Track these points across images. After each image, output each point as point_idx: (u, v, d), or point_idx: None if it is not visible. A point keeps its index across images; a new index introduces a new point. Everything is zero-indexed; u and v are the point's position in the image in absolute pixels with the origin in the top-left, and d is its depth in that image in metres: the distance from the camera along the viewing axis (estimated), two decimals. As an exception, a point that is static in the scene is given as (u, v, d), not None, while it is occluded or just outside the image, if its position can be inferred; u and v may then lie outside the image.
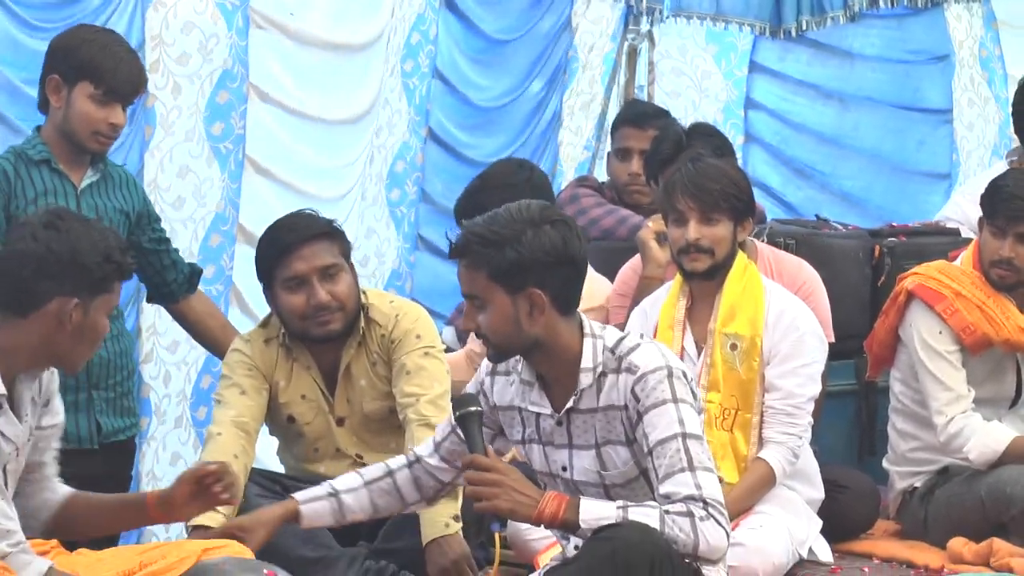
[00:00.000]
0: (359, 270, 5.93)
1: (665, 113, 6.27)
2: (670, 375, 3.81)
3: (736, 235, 4.79)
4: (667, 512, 3.69)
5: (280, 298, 4.75)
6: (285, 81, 6.23)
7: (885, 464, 5.28)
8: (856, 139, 8.29)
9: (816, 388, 4.76)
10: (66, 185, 4.70)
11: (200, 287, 5.26)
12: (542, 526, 3.85)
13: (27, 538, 3.72)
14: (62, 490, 4.06)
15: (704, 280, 4.78)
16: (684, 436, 3.76)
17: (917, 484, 5.15)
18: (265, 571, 3.49)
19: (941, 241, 5.98)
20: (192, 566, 3.79)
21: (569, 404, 3.89)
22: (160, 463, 5.86)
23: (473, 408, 3.86)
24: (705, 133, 5.42)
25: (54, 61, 4.73)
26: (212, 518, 4.37)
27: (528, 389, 3.96)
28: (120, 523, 4.34)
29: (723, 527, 3.71)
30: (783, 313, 4.75)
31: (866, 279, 5.91)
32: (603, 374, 3.86)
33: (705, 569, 3.79)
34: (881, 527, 5.23)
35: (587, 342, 3.88)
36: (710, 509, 3.71)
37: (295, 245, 4.72)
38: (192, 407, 5.99)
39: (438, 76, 7.00)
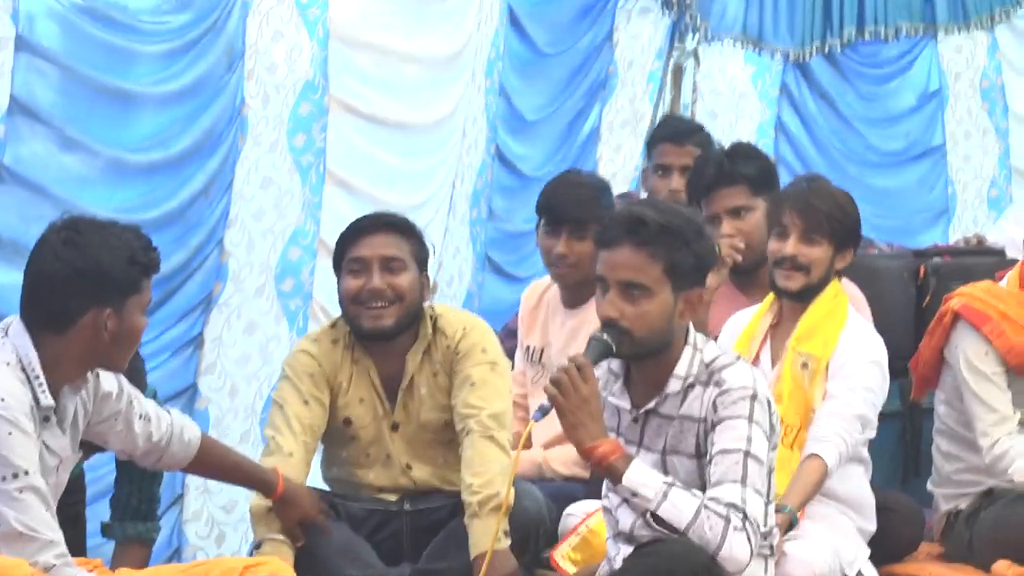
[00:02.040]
0: (444, 290, 5.96)
1: (700, 128, 6.29)
2: (754, 397, 3.82)
3: (835, 261, 4.81)
4: (706, 506, 3.69)
5: (341, 281, 4.78)
6: (365, 91, 6.24)
7: (929, 486, 5.25)
8: (863, 177, 8.30)
9: (871, 415, 4.73)
10: None
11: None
12: (589, 461, 3.86)
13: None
14: (193, 433, 4.22)
15: (794, 300, 4.79)
16: (747, 454, 3.77)
17: (962, 506, 5.11)
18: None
19: (986, 261, 5.95)
20: (234, 585, 3.81)
21: (650, 405, 3.89)
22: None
23: (610, 341, 3.83)
24: (746, 156, 5.40)
25: None
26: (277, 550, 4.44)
27: (613, 380, 3.97)
28: (243, 484, 4.56)
29: (751, 546, 3.71)
30: (857, 341, 4.75)
31: (911, 299, 5.88)
32: (691, 385, 3.86)
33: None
34: (925, 549, 5.19)
35: (687, 351, 3.89)
36: (747, 524, 3.71)
37: (365, 231, 4.77)
38: (263, 424, 5.97)
39: (502, 94, 7.06)
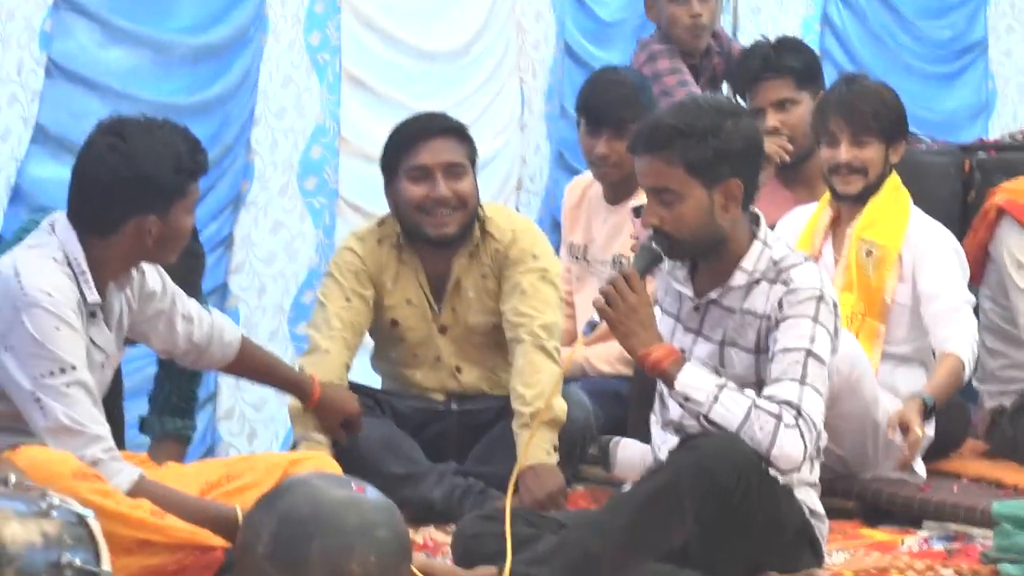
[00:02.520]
0: (528, 185, 5.94)
1: None
2: (820, 298, 3.80)
3: (888, 156, 4.83)
4: (757, 406, 3.69)
5: (402, 187, 4.72)
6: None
7: (974, 383, 5.23)
8: (910, 75, 8.23)
9: (971, 297, 4.78)
10: None
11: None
12: (642, 368, 3.87)
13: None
14: (233, 335, 4.25)
15: (856, 202, 4.82)
16: (809, 353, 3.75)
17: (1006, 403, 5.11)
18: (354, 486, 3.48)
19: (1032, 157, 5.90)
20: (279, 479, 3.81)
21: (712, 296, 3.89)
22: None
23: (660, 249, 3.84)
24: (792, 48, 5.36)
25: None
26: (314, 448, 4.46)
27: (678, 266, 3.96)
28: (281, 388, 4.59)
29: (805, 442, 3.69)
30: (928, 231, 4.83)
31: (956, 195, 5.83)
32: (757, 280, 3.85)
33: (796, 491, 3.80)
34: (970, 446, 5.19)
35: (756, 245, 3.87)
36: (800, 420, 3.69)
37: (425, 136, 4.72)
38: (291, 322, 6.01)
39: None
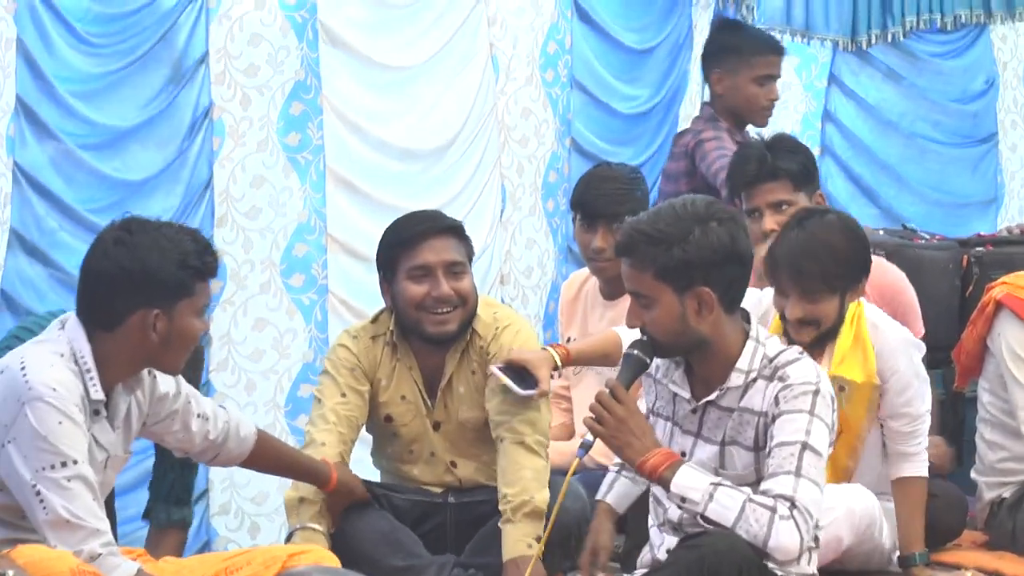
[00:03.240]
0: (522, 280, 5.96)
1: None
2: (816, 392, 3.85)
3: (845, 301, 4.62)
4: (751, 500, 3.74)
5: (402, 288, 4.74)
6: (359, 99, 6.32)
7: (973, 475, 5.25)
8: (917, 167, 8.28)
9: (930, 395, 4.79)
10: None
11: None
12: (641, 475, 3.93)
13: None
14: (249, 429, 4.30)
15: (813, 348, 4.60)
16: (804, 445, 3.80)
17: (1005, 495, 5.12)
18: (353, 581, 3.52)
19: (1030, 251, 5.95)
20: (277, 573, 3.85)
21: (711, 397, 3.94)
22: (240, 468, 5.93)
23: (642, 356, 3.92)
24: (787, 150, 5.33)
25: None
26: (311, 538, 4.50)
27: (674, 368, 4.02)
28: (299, 478, 4.59)
29: (800, 533, 3.73)
30: (891, 352, 4.71)
31: (955, 289, 5.89)
32: (754, 379, 3.90)
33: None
34: (969, 538, 5.20)
35: (749, 344, 3.93)
36: (795, 512, 3.73)
37: (426, 235, 4.75)
38: (289, 415, 6.06)
39: (578, 87, 7.06)
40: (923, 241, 6.00)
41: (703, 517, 3.76)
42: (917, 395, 4.72)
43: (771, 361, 3.91)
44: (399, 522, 4.74)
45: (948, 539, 5.07)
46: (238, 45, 5.94)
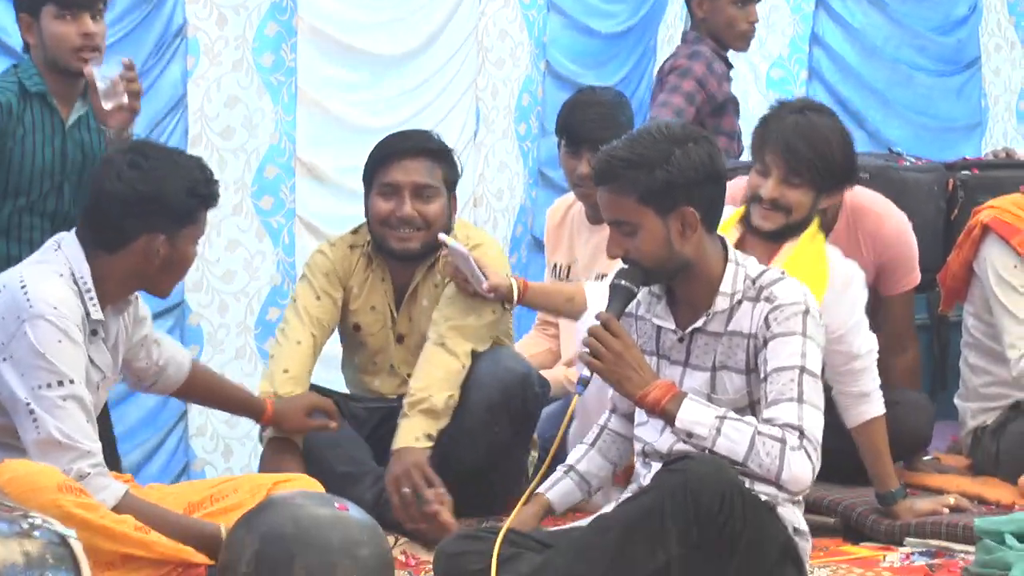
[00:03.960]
0: (493, 203, 5.91)
1: None
2: (806, 312, 3.81)
3: (817, 202, 4.56)
4: (760, 433, 3.70)
5: (372, 202, 4.84)
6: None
7: (957, 400, 5.26)
8: (903, 91, 8.25)
9: (874, 345, 4.62)
10: (55, 120, 4.67)
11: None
12: (641, 408, 3.85)
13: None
14: (184, 356, 4.32)
15: (767, 240, 4.58)
16: (802, 369, 3.77)
17: (989, 420, 5.12)
18: (337, 505, 3.50)
19: (1015, 174, 5.88)
20: (263, 499, 3.83)
21: (697, 324, 3.90)
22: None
23: (629, 284, 3.85)
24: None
25: (16, 1, 4.73)
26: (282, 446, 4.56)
27: (655, 301, 3.97)
28: (232, 411, 4.68)
29: (812, 462, 3.71)
30: (845, 289, 4.59)
31: (940, 212, 5.85)
32: (739, 301, 3.87)
33: (780, 509, 3.80)
34: (952, 462, 5.20)
35: (730, 267, 3.88)
36: (804, 441, 3.71)
37: (399, 155, 4.82)
38: (258, 338, 6.07)
39: (554, 8, 7.03)
40: (908, 164, 5.97)
41: (711, 452, 3.73)
42: (851, 332, 4.57)
43: (754, 282, 3.88)
44: (355, 431, 4.81)
45: (916, 445, 5.01)
46: None
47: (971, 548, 4.25)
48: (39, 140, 4.62)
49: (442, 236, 4.70)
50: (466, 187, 6.52)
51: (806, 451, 3.71)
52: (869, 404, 4.57)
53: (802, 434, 3.71)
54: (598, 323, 3.83)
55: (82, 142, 4.70)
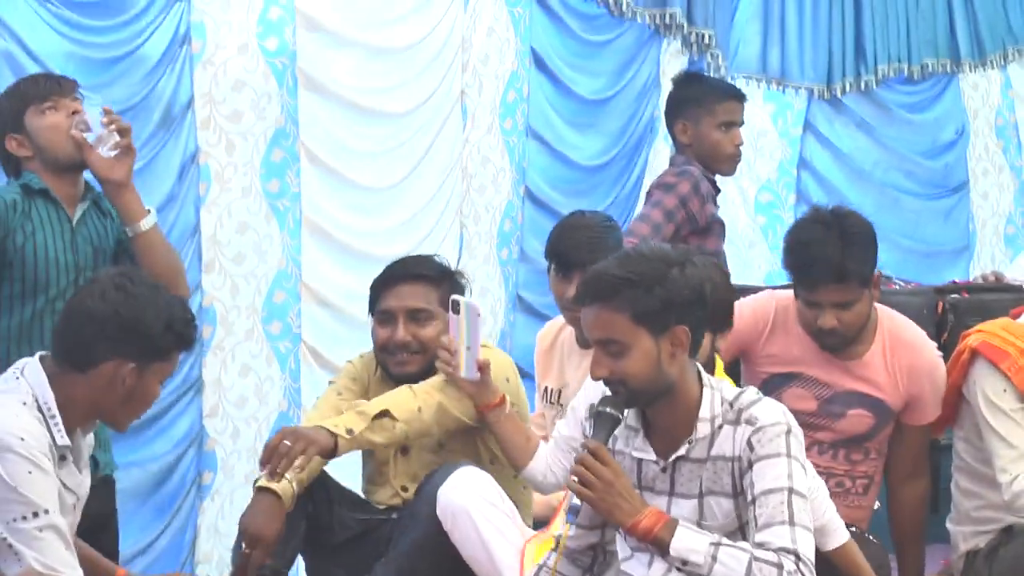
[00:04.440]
0: None
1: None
2: (788, 432, 3.83)
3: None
4: (756, 559, 3.69)
5: (373, 328, 4.96)
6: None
7: (948, 524, 5.23)
8: (890, 216, 8.31)
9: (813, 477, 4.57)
10: (62, 215, 4.73)
11: None
12: (632, 538, 3.84)
13: None
14: None
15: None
16: (790, 491, 3.77)
17: (981, 544, 5.08)
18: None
19: (1004, 298, 5.94)
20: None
21: (680, 452, 3.88)
22: (226, 518, 5.92)
23: (614, 412, 3.85)
24: (862, 246, 5.00)
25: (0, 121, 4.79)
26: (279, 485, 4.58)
27: (633, 435, 3.96)
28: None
29: None
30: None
31: (930, 336, 5.85)
32: (720, 426, 3.86)
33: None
34: (947, 586, 5.19)
35: (706, 391, 3.89)
36: (800, 565, 3.70)
37: (393, 281, 4.93)
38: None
39: (533, 135, 7.09)
40: (898, 288, 6.00)
41: None
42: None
43: (731, 405, 3.89)
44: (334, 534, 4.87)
45: None
46: (222, 91, 5.94)
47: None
48: (49, 234, 4.68)
49: (456, 296, 4.73)
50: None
51: (802, 574, 3.69)
52: (829, 536, 4.50)
53: (798, 558, 3.70)
54: (585, 452, 3.82)
55: (91, 236, 4.76)
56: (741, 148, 6.44)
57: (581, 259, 5.30)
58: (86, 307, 3.88)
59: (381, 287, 4.96)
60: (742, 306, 4.96)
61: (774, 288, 5.17)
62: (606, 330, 3.84)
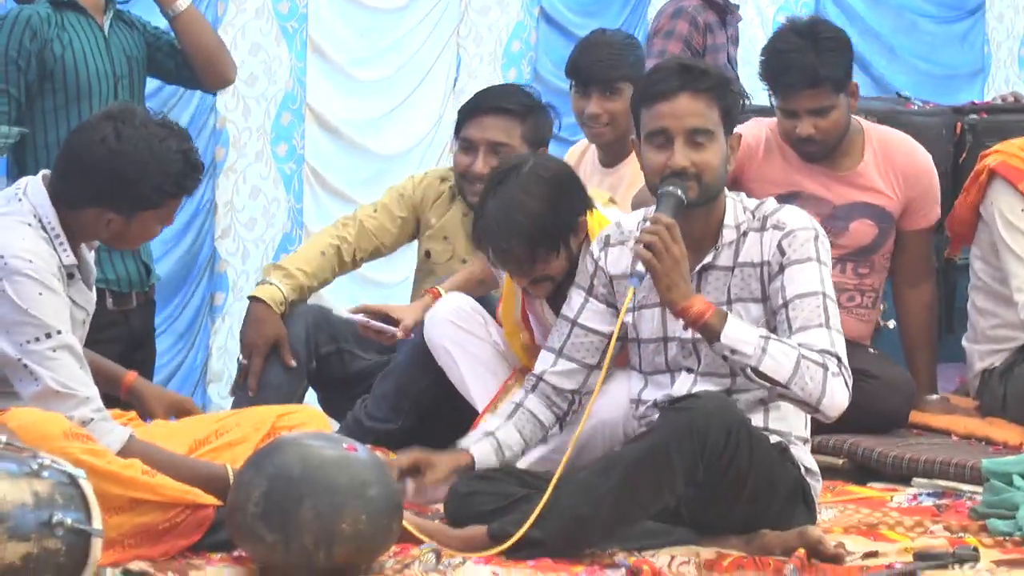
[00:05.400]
0: None
1: None
2: (817, 237, 3.84)
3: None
4: (804, 356, 3.69)
5: (455, 154, 5.03)
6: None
7: (964, 342, 5.25)
8: (907, 38, 8.23)
9: None
10: (93, 25, 4.77)
11: None
12: (680, 319, 3.80)
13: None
14: None
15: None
16: (824, 295, 3.78)
17: (997, 362, 5.10)
18: (345, 446, 3.50)
19: (1022, 118, 5.90)
20: (268, 434, 3.84)
21: (707, 260, 3.88)
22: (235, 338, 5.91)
23: (682, 195, 3.79)
24: (833, 50, 4.96)
25: None
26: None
27: None
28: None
29: (848, 389, 3.73)
30: None
31: (948, 156, 5.84)
32: (744, 232, 3.86)
33: (793, 449, 3.82)
34: (960, 403, 5.20)
35: (730, 200, 3.90)
36: (842, 368, 3.73)
37: (479, 111, 4.95)
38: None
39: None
40: (916, 108, 5.96)
41: (755, 371, 3.69)
42: None
43: (754, 213, 3.90)
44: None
45: (892, 424, 4.92)
46: (239, 54, 5.93)
47: (979, 488, 4.24)
48: (85, 42, 4.75)
49: (339, 311, 4.86)
50: (446, 134, 6.56)
51: (843, 377, 3.73)
52: None
53: (840, 360, 3.72)
54: (658, 216, 3.76)
55: (123, 45, 4.85)
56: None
57: (600, 76, 5.26)
58: (75, 151, 3.82)
59: (466, 115, 4.97)
60: None
61: (758, 116, 5.13)
62: (701, 118, 3.83)
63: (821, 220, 4.67)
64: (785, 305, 3.79)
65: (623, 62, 5.26)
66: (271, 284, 4.80)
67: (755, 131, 5.04)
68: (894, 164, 5.06)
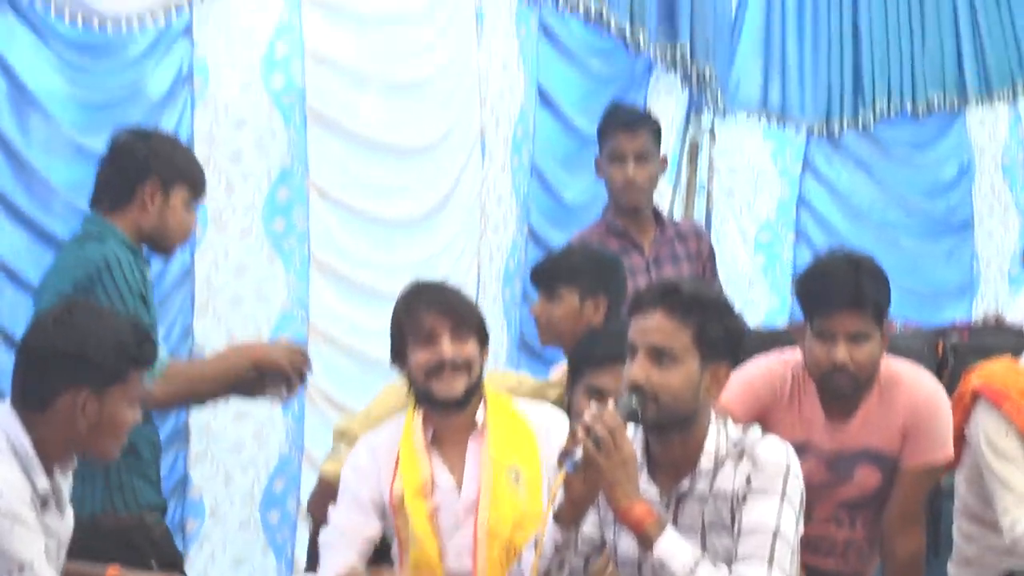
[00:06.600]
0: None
1: (651, 115, 6.31)
2: (787, 471, 3.81)
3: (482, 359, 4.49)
4: None
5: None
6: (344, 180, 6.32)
7: (950, 567, 5.21)
8: (890, 255, 8.24)
9: None
10: (147, 276, 4.76)
11: None
12: (619, 520, 3.79)
13: None
14: None
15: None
16: (776, 534, 3.76)
17: (984, 589, 5.08)
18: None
19: (1005, 340, 5.94)
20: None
21: (684, 487, 3.86)
22: (216, 564, 5.87)
23: (635, 406, 3.77)
24: (876, 276, 4.83)
25: (154, 164, 4.74)
26: None
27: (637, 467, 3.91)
28: None
29: None
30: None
31: (929, 378, 5.84)
32: (723, 461, 3.85)
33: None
34: (946, 632, 5.17)
35: (712, 427, 3.87)
36: None
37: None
38: (263, 507, 6.08)
39: (535, 174, 7.08)
40: (897, 330, 5.99)
41: None
42: None
43: (736, 443, 3.88)
44: None
45: None
46: (224, 130, 5.91)
47: None
48: (147, 295, 4.71)
49: None
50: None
51: None
52: None
53: None
54: (608, 411, 3.74)
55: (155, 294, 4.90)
56: (634, 183, 6.10)
57: (544, 276, 5.31)
58: (29, 346, 3.85)
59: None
60: (752, 368, 4.87)
61: (770, 340, 5.09)
62: (664, 338, 3.79)
63: (827, 469, 4.68)
64: (739, 532, 3.78)
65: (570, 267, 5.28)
66: None
67: (781, 372, 4.88)
68: (896, 398, 4.91)
